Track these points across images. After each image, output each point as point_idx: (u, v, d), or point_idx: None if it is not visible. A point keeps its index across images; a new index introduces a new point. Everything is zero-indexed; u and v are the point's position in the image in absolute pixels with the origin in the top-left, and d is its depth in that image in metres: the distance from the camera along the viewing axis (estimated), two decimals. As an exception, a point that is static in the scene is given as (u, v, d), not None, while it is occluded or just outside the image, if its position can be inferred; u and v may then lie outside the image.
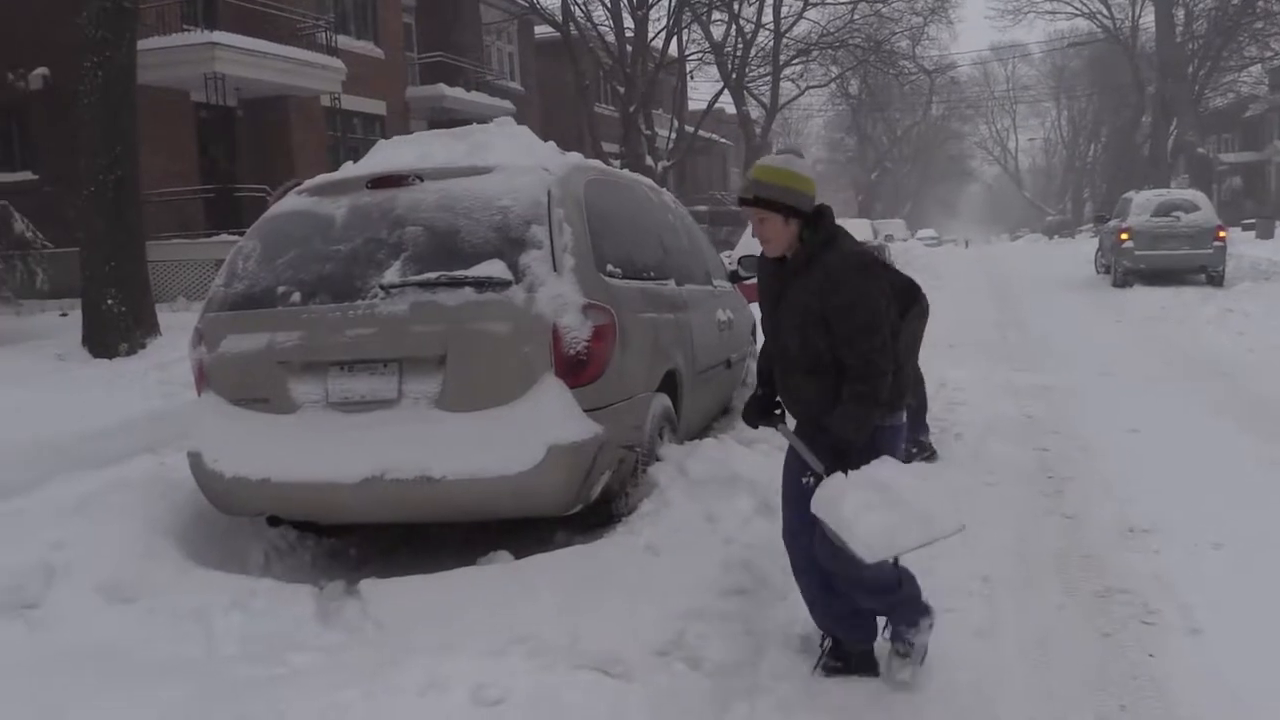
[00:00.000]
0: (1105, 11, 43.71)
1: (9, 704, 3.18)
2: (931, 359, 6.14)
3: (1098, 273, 20.11)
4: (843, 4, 34.40)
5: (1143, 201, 17.92)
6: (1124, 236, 17.16)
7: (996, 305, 15.12)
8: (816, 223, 3.08)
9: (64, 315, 12.95)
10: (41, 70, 15.91)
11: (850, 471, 2.96)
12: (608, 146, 25.67)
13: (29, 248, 12.08)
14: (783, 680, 3.22)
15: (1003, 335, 11.98)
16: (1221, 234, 16.72)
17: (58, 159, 15.09)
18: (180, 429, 6.50)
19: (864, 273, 3.02)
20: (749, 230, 18.12)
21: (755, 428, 3.49)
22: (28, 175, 16.54)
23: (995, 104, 66.05)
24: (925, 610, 3.24)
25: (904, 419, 3.21)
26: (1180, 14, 38.40)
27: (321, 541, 4.89)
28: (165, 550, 4.27)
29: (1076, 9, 44.79)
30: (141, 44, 11.22)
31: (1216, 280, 16.44)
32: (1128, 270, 17.14)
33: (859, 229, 25.56)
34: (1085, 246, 27.55)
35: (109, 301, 10.44)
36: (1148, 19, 41.26)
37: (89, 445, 6.72)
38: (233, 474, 4.28)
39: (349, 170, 4.87)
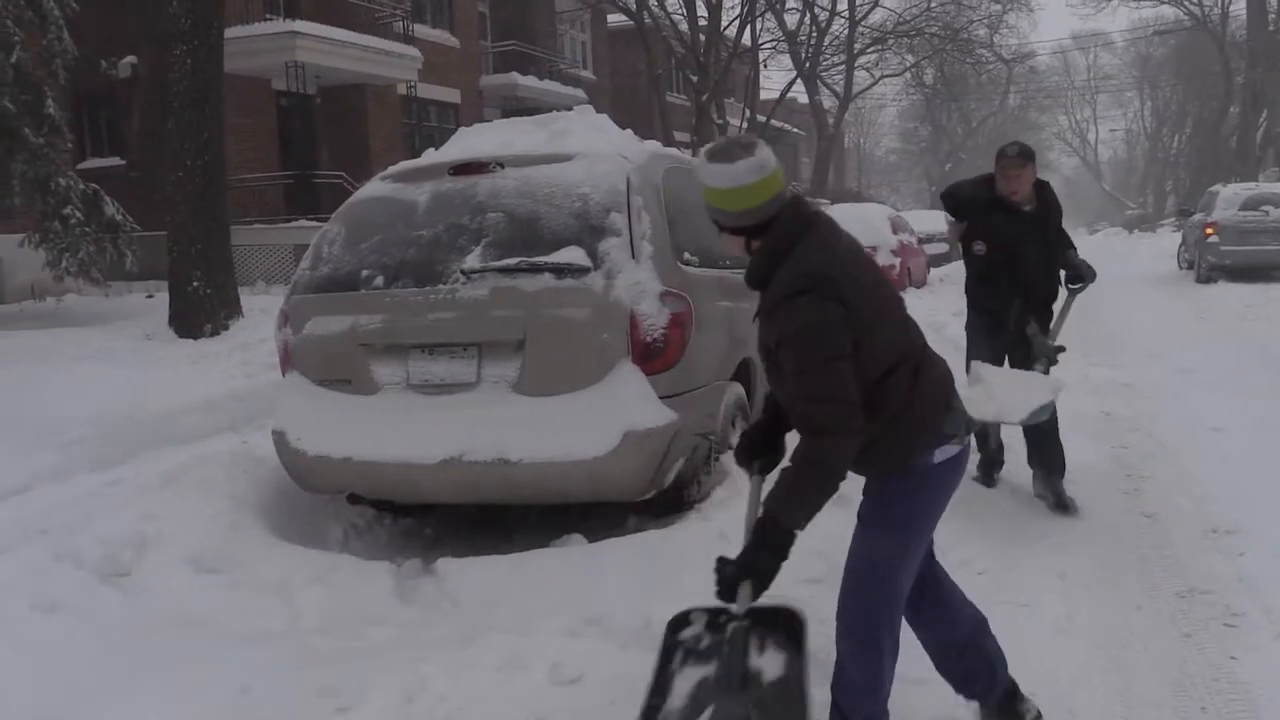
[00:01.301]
0: (1193, -2, 42.46)
1: (105, 665, 3.32)
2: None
3: (1180, 268, 19.60)
4: (919, -9, 33.93)
5: (1230, 195, 17.41)
6: (1209, 231, 16.68)
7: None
8: (769, 232, 2.41)
9: (150, 297, 13.36)
10: (130, 59, 16.39)
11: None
12: (679, 135, 25.64)
13: (119, 230, 12.47)
14: (855, 670, 3.21)
15: (1078, 330, 11.72)
16: (1314, 229, 16.18)
17: (145, 145, 15.56)
18: (261, 408, 6.70)
19: (803, 297, 2.28)
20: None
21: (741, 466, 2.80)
22: (116, 160, 17.07)
23: (1075, 94, 64.50)
24: None
25: (937, 459, 2.48)
26: (1274, 0, 37.10)
27: (399, 520, 5.00)
28: (249, 524, 4.41)
29: (1163, -4, 43.54)
30: (226, 33, 11.50)
31: (1307, 277, 15.93)
32: (1213, 266, 16.66)
33: (930, 220, 23.52)
34: (1166, 241, 26.85)
35: (194, 283, 10.75)
36: (1238, 6, 40.01)
37: (176, 422, 6.96)
38: (315, 452, 4.39)
39: (431, 157, 4.95)
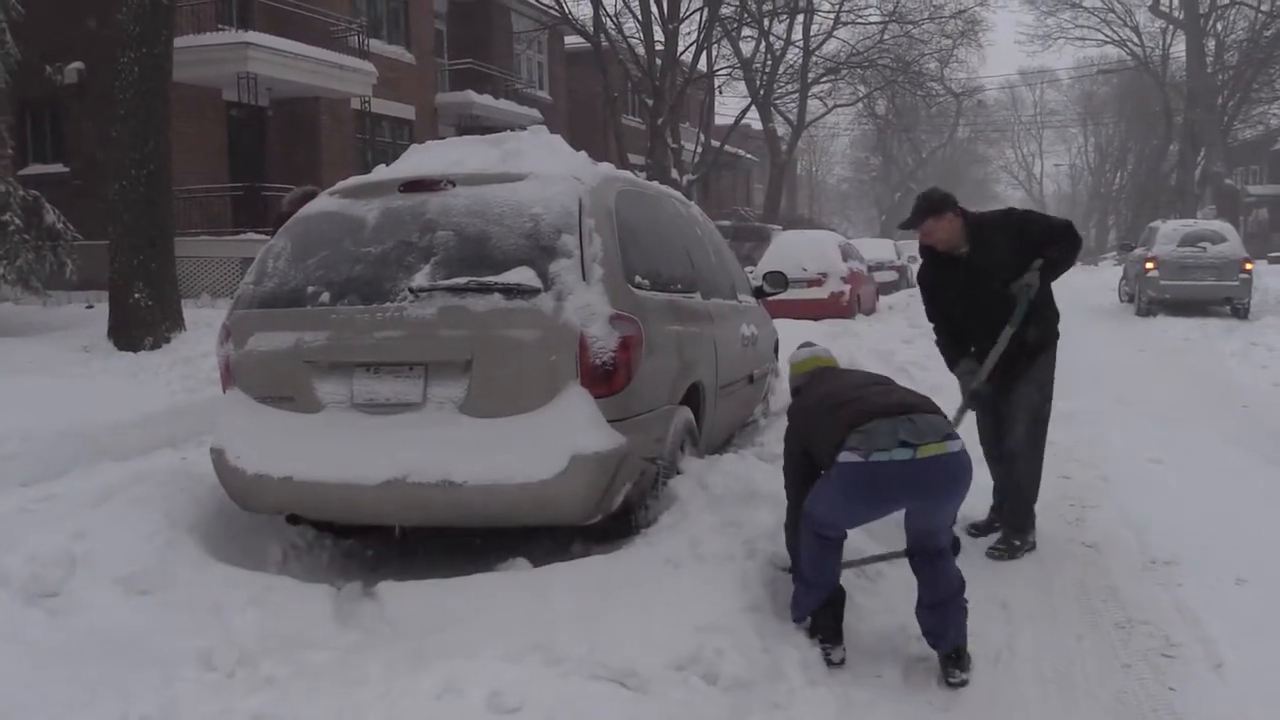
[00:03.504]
0: (1136, 40, 43.75)
1: (27, 689, 3.20)
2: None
3: (1121, 301, 20.01)
4: (873, 24, 34.53)
5: (1169, 231, 17.82)
6: (1149, 266, 17.07)
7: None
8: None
9: (90, 308, 13.07)
10: (76, 65, 16.09)
11: None
12: (633, 158, 25.73)
13: (59, 239, 12.19)
14: (799, 697, 3.20)
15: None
16: (1248, 266, 16.60)
17: (89, 152, 15.26)
18: (201, 424, 6.56)
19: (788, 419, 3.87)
20: (773, 246, 18.05)
21: None
22: (59, 167, 16.72)
23: (1022, 129, 66.03)
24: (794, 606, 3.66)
25: (840, 459, 3.36)
26: (1211, 44, 38.27)
27: (339, 542, 4.90)
28: (184, 544, 4.29)
29: (1107, 36, 44.83)
30: (176, 42, 11.33)
31: (1241, 313, 16.33)
32: (1152, 300, 17.05)
33: (880, 248, 26.22)
34: (1108, 274, 27.43)
35: (136, 295, 10.52)
36: (1178, 48, 41.25)
37: (112, 437, 6.78)
38: (255, 471, 4.29)
39: (382, 173, 4.89)
